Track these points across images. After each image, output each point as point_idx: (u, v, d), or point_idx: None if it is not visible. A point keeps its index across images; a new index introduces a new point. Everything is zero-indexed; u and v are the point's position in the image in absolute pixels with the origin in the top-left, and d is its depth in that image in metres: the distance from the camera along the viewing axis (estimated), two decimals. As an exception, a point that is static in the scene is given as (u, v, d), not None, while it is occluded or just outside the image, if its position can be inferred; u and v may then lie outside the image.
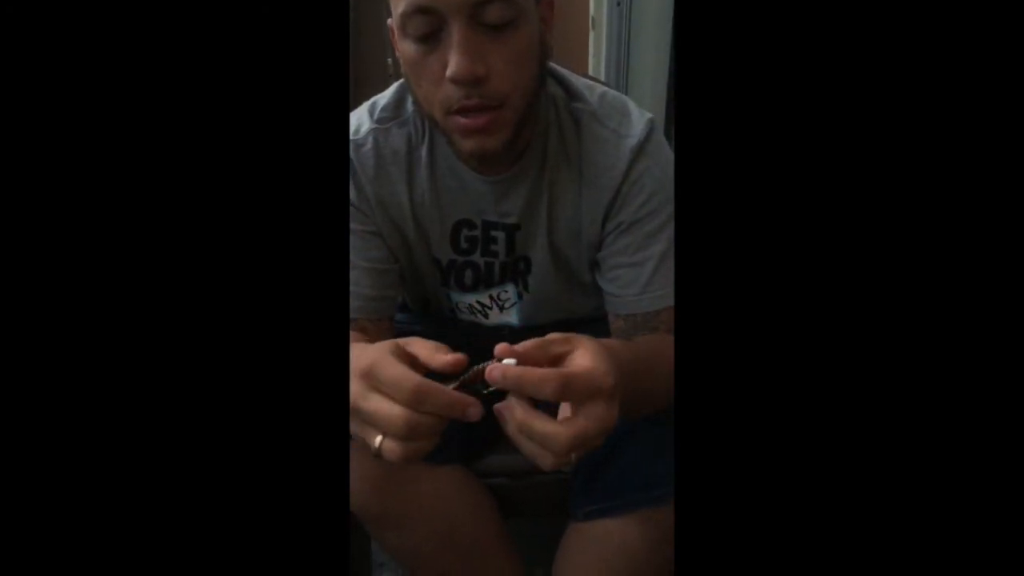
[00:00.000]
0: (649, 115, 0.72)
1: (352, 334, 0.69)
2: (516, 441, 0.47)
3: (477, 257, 0.77)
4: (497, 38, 0.57)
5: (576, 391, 0.45)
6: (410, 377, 0.45)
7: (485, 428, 0.47)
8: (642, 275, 0.70)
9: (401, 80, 0.71)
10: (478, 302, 0.82)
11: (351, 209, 0.71)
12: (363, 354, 0.46)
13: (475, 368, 0.47)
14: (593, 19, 2.10)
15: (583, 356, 0.47)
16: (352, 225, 0.71)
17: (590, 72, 2.07)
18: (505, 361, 0.46)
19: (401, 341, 0.48)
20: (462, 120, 0.60)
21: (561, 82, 0.74)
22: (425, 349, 0.47)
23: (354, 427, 0.47)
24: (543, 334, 0.49)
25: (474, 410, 0.45)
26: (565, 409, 0.48)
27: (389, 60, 2.11)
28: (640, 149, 0.69)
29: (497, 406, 0.47)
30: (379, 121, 0.72)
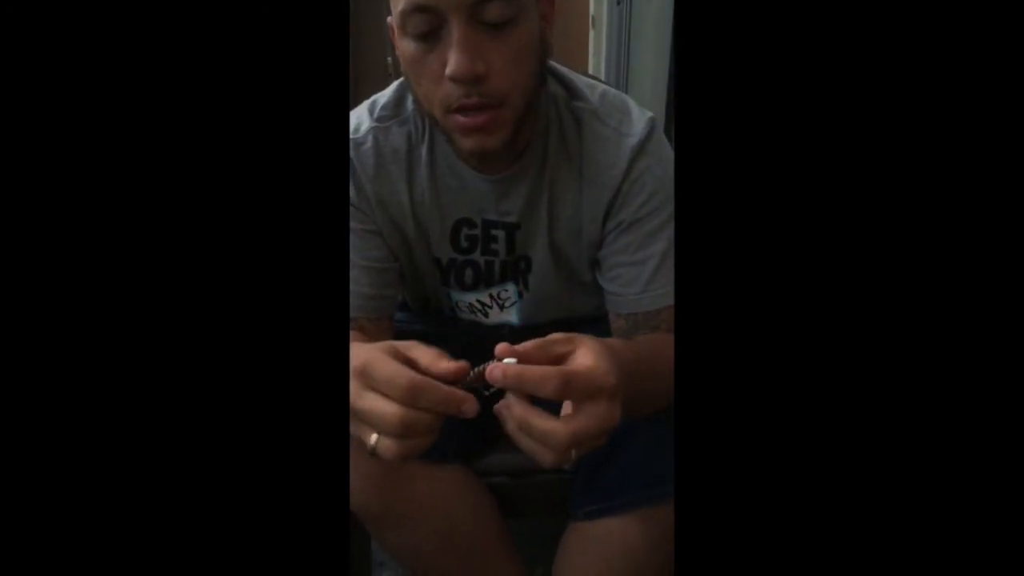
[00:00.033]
0: (650, 114, 0.72)
1: (351, 333, 0.69)
2: (516, 439, 0.47)
3: (477, 256, 0.77)
4: (497, 36, 0.57)
5: (577, 390, 0.45)
6: (404, 374, 0.45)
7: (485, 427, 0.47)
8: (643, 274, 0.70)
9: (401, 79, 0.71)
10: (478, 301, 0.82)
11: (351, 208, 0.71)
12: (357, 354, 0.46)
13: (476, 370, 0.47)
14: (593, 18, 2.10)
15: (584, 355, 0.47)
16: (352, 224, 0.71)
17: (590, 71, 2.08)
18: (506, 361, 0.46)
19: (401, 345, 0.48)
20: (462, 119, 0.60)
21: (562, 81, 0.74)
22: (426, 356, 0.47)
23: (351, 427, 0.47)
24: (543, 333, 0.49)
25: (469, 406, 0.45)
26: (567, 408, 0.48)
27: (389, 59, 2.11)
28: (641, 148, 0.69)
29: (497, 405, 0.47)
30: (379, 120, 0.72)
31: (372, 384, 0.45)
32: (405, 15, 0.57)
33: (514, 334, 0.83)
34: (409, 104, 0.72)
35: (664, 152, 0.71)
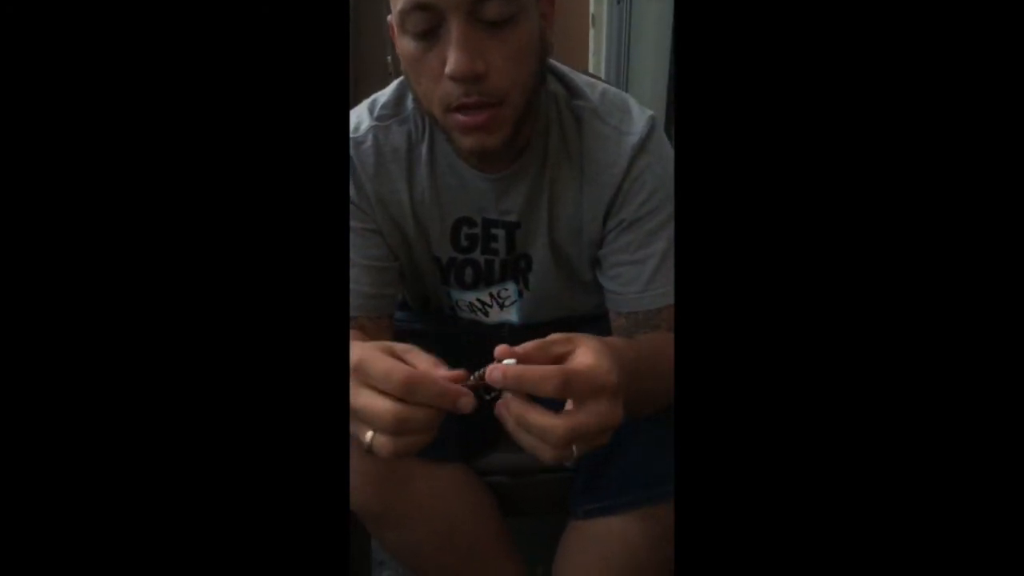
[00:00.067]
0: (650, 112, 0.72)
1: (351, 332, 0.69)
2: (516, 437, 0.47)
3: (477, 255, 0.77)
4: (496, 35, 0.57)
5: (578, 388, 0.45)
6: (400, 368, 0.45)
7: (485, 426, 0.47)
8: (644, 273, 0.70)
9: (401, 78, 0.71)
10: (478, 300, 0.81)
11: (351, 207, 0.71)
12: (353, 352, 0.46)
13: (476, 374, 0.46)
14: (593, 17, 2.10)
15: (584, 354, 0.47)
16: (352, 223, 0.71)
17: (590, 70, 2.07)
18: (505, 362, 0.46)
19: (398, 348, 0.48)
20: (461, 117, 0.60)
21: (562, 79, 0.74)
22: (423, 362, 0.47)
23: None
24: (544, 332, 0.49)
25: (465, 400, 0.45)
26: (569, 407, 0.48)
27: (389, 58, 2.11)
28: (641, 146, 0.69)
29: (496, 406, 0.47)
30: (379, 119, 0.72)
31: (367, 381, 0.45)
32: (405, 13, 0.57)
33: (514, 333, 0.83)
34: (409, 103, 0.72)
35: (664, 151, 0.71)
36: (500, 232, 0.75)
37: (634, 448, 0.68)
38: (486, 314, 0.83)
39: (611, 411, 0.46)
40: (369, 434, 0.46)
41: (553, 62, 0.72)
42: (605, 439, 0.47)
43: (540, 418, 0.45)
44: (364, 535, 0.77)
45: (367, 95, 0.76)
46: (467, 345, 0.83)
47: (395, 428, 0.44)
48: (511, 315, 0.83)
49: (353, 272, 0.71)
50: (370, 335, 0.69)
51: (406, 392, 0.44)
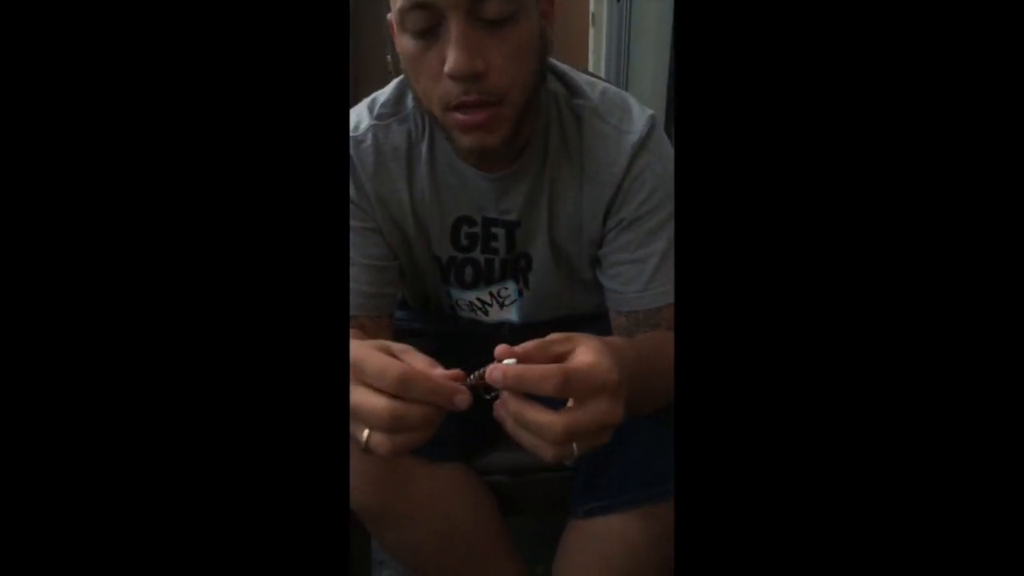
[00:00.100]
0: (650, 111, 0.72)
1: (351, 331, 0.68)
2: (516, 435, 0.47)
3: (477, 254, 0.77)
4: (496, 33, 0.57)
5: (578, 387, 0.45)
6: (395, 365, 0.45)
7: (485, 425, 0.47)
8: (644, 272, 0.70)
9: (401, 76, 0.71)
10: (478, 299, 0.81)
11: (351, 206, 0.71)
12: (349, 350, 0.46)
13: (476, 373, 0.46)
14: (593, 15, 2.10)
15: (585, 353, 0.47)
16: (352, 222, 0.71)
17: (590, 69, 2.07)
18: (505, 362, 0.46)
19: (395, 347, 0.48)
20: (461, 116, 0.59)
21: (562, 78, 0.74)
22: (420, 362, 0.47)
23: None
24: (543, 331, 0.49)
25: (461, 397, 0.45)
26: (570, 405, 0.48)
27: (388, 57, 2.11)
28: (641, 145, 0.69)
29: (495, 406, 0.47)
30: (379, 117, 0.72)
31: (363, 378, 0.45)
32: (404, 12, 0.57)
33: (514, 332, 0.83)
34: (409, 102, 0.72)
35: (665, 150, 0.71)
36: (500, 231, 0.75)
37: (634, 447, 0.68)
38: (486, 313, 0.83)
39: (612, 410, 0.46)
40: (365, 432, 0.45)
41: (553, 61, 0.72)
42: (605, 438, 0.47)
43: (539, 416, 0.45)
44: (364, 535, 0.77)
45: (367, 95, 0.76)
46: (467, 344, 0.83)
47: (390, 425, 0.44)
48: (511, 314, 0.83)
49: (353, 271, 0.71)
50: (370, 334, 0.69)
51: (401, 388, 0.44)
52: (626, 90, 0.89)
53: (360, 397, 0.45)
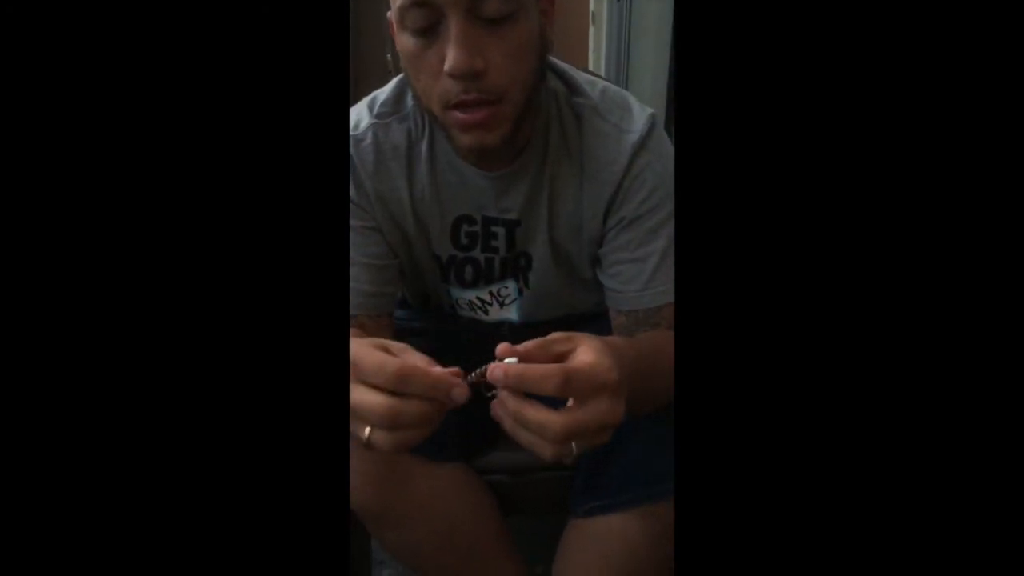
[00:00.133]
0: (650, 110, 0.72)
1: (351, 330, 0.68)
2: (514, 434, 0.47)
3: (477, 253, 0.77)
4: (495, 32, 0.57)
5: (579, 386, 0.45)
6: (392, 361, 0.45)
7: (485, 425, 0.47)
8: (644, 271, 0.70)
9: (401, 75, 0.71)
10: (478, 298, 0.81)
11: (351, 205, 0.71)
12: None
13: (476, 371, 0.46)
14: (593, 14, 2.10)
15: (585, 352, 0.47)
16: (352, 221, 0.71)
17: (590, 68, 2.07)
18: (506, 361, 0.45)
19: (393, 346, 0.48)
20: (460, 115, 0.59)
21: (562, 77, 0.73)
22: (418, 361, 0.47)
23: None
24: (543, 330, 0.49)
25: (459, 391, 0.45)
26: (570, 405, 0.48)
27: (388, 56, 2.11)
28: (642, 144, 0.69)
29: (492, 405, 0.47)
30: (379, 116, 0.72)
31: (361, 376, 0.45)
32: (404, 10, 0.57)
33: (514, 331, 0.83)
34: (409, 100, 0.72)
35: (665, 148, 0.71)
36: (500, 230, 0.75)
37: (634, 446, 0.68)
38: (486, 312, 0.83)
39: (612, 409, 0.46)
40: (367, 430, 0.45)
41: (553, 59, 0.72)
42: (605, 437, 0.47)
43: (538, 414, 0.45)
44: (364, 535, 0.77)
45: (367, 94, 0.75)
46: (467, 343, 0.83)
47: (389, 422, 0.44)
48: (511, 313, 0.83)
49: (353, 270, 0.71)
50: (370, 333, 0.69)
51: (399, 384, 0.44)
52: (626, 89, 0.89)
53: (359, 395, 0.45)
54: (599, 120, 0.70)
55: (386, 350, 0.47)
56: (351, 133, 0.71)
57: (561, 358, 0.48)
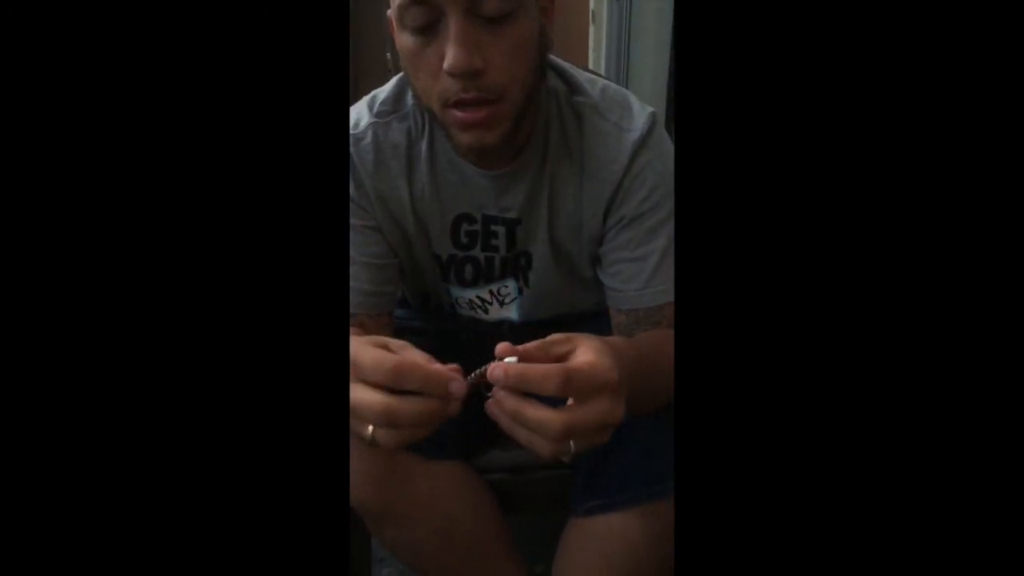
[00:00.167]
0: (651, 109, 0.72)
1: (351, 329, 0.68)
2: (512, 433, 0.47)
3: (477, 252, 0.77)
4: (495, 30, 0.57)
5: (579, 386, 0.45)
6: (389, 357, 0.45)
7: (485, 423, 0.47)
8: (644, 270, 0.70)
9: (401, 74, 0.71)
10: (478, 297, 0.81)
11: (351, 204, 0.71)
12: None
13: (477, 371, 0.46)
14: (593, 13, 2.10)
15: (585, 353, 0.47)
16: (352, 220, 0.71)
17: (590, 67, 2.07)
18: (506, 360, 0.45)
19: (393, 344, 0.48)
20: (460, 114, 0.59)
21: (562, 75, 0.73)
22: (418, 358, 0.47)
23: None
24: (544, 329, 0.49)
25: (457, 386, 0.45)
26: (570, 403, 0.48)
27: (388, 54, 2.11)
28: (642, 143, 0.69)
29: (487, 404, 0.47)
30: (379, 115, 0.72)
31: (359, 374, 0.45)
32: (403, 8, 0.57)
33: (514, 330, 0.83)
34: (409, 99, 0.72)
35: (665, 147, 0.71)
36: (500, 229, 0.75)
37: (634, 445, 0.68)
38: (486, 311, 0.83)
39: (612, 409, 0.46)
40: (369, 428, 0.46)
41: (554, 58, 0.72)
42: (605, 437, 0.47)
43: (537, 412, 0.45)
44: (364, 533, 0.77)
45: (367, 93, 0.75)
46: (467, 342, 0.83)
47: (386, 420, 0.45)
48: (511, 312, 0.83)
49: (353, 269, 0.71)
50: (370, 332, 0.69)
51: (395, 379, 0.44)
52: (626, 88, 0.89)
53: (357, 394, 0.45)
54: (599, 119, 0.70)
55: (386, 348, 0.47)
56: (351, 132, 0.71)
57: (561, 359, 0.48)
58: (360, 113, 0.73)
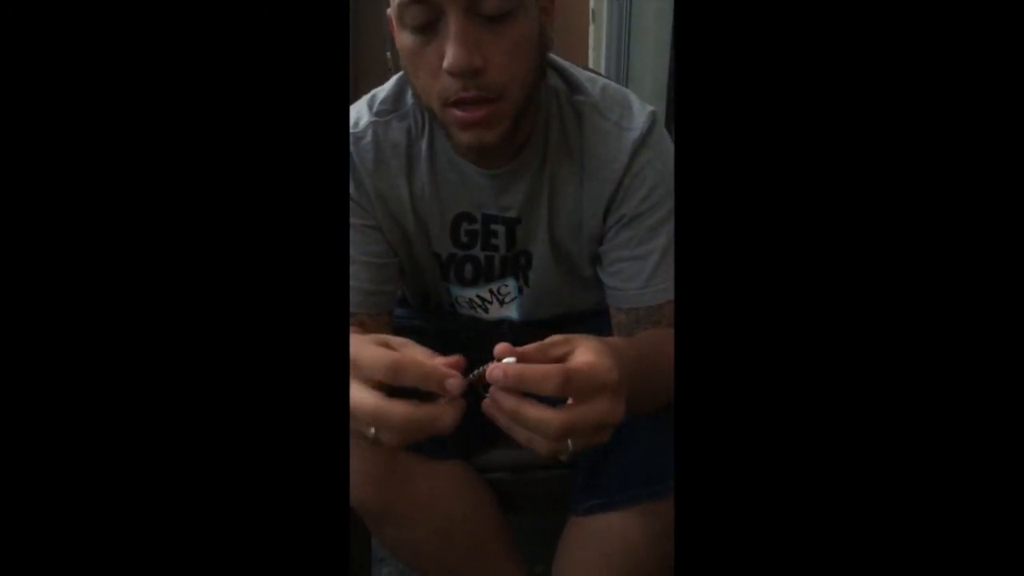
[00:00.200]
0: (651, 108, 0.72)
1: (351, 329, 0.68)
2: (510, 431, 0.47)
3: (477, 251, 0.77)
4: (495, 29, 0.57)
5: (579, 386, 0.45)
6: (387, 354, 0.45)
7: (485, 423, 0.47)
8: (644, 269, 0.70)
9: (401, 73, 0.71)
10: (478, 296, 0.81)
11: (350, 203, 0.71)
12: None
13: (476, 371, 0.46)
14: (593, 12, 2.10)
15: (584, 353, 0.47)
16: (352, 219, 0.71)
17: (590, 66, 2.07)
18: (505, 361, 0.45)
19: (394, 341, 0.48)
20: (459, 113, 0.59)
21: (562, 74, 0.73)
22: (420, 353, 0.47)
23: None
24: (543, 329, 0.49)
25: (454, 382, 0.45)
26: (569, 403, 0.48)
27: (388, 54, 2.11)
28: (642, 142, 0.69)
29: (484, 404, 0.47)
30: (378, 114, 0.72)
31: (358, 372, 0.45)
32: (403, 7, 0.57)
33: (514, 330, 0.83)
34: (409, 98, 0.72)
35: (665, 146, 0.71)
36: (500, 228, 0.75)
37: (634, 445, 0.68)
38: (486, 310, 0.83)
39: (612, 409, 0.46)
40: (372, 427, 0.46)
41: (553, 57, 0.72)
42: (605, 437, 0.47)
43: (535, 411, 0.45)
44: (364, 532, 0.77)
45: (367, 93, 0.75)
46: (467, 341, 0.83)
47: (377, 423, 0.45)
48: (511, 311, 0.83)
49: (353, 268, 0.71)
50: (370, 331, 0.69)
51: (393, 375, 0.44)
52: (626, 87, 0.89)
53: (354, 393, 0.45)
54: (599, 118, 0.70)
55: (387, 345, 0.47)
56: (351, 131, 0.71)
57: (560, 361, 0.48)
58: (360, 112, 0.73)
